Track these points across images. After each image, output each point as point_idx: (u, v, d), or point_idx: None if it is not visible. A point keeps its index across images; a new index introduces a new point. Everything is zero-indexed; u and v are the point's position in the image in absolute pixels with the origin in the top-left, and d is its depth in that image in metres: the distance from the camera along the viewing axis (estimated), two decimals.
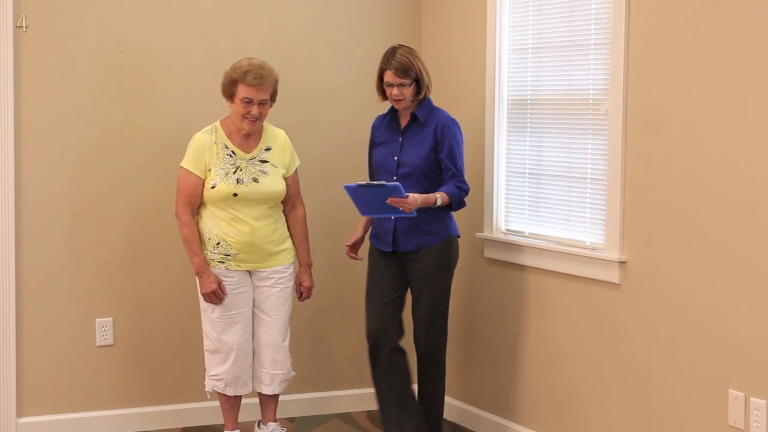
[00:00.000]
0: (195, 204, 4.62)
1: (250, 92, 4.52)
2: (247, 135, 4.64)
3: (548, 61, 4.77)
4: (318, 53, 5.41)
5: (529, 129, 4.89)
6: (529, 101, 4.89)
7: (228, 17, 5.23)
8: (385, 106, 4.80)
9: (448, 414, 5.40)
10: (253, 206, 4.59)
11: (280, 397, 4.99)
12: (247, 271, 4.67)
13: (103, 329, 5.11)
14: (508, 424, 5.01)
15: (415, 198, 4.44)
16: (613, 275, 4.38)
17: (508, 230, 5.03)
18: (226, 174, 4.57)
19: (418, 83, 4.60)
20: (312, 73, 5.39)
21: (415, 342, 4.81)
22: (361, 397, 5.53)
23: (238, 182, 4.57)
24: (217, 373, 4.69)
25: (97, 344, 5.11)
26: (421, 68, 4.60)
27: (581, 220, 4.60)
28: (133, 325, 5.17)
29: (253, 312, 4.74)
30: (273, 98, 4.65)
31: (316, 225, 5.20)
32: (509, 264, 4.97)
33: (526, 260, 4.85)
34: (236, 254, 4.60)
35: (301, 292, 4.88)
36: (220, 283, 4.59)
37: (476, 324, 5.23)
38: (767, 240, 3.73)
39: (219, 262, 4.61)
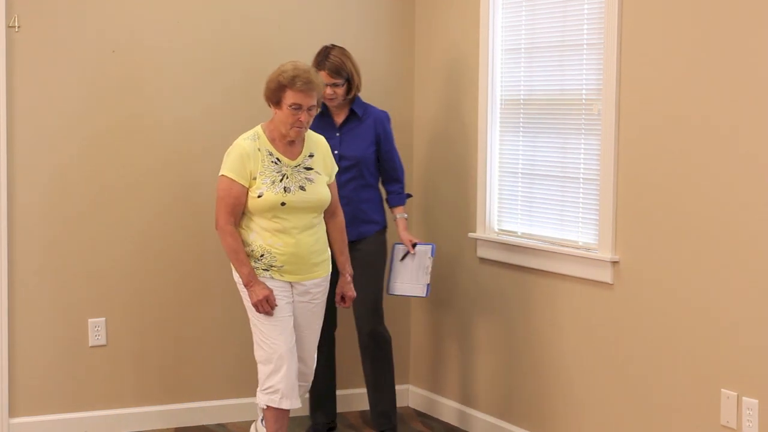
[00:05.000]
0: (238, 214, 4.35)
1: (299, 98, 4.30)
2: (292, 141, 4.40)
3: (541, 61, 4.77)
4: (312, 54, 5.39)
5: (522, 129, 4.89)
6: (522, 101, 4.89)
7: (220, 17, 5.22)
8: None
9: (444, 415, 5.41)
10: (299, 215, 4.36)
11: None
12: (289, 282, 4.43)
13: (96, 329, 5.10)
14: (502, 424, 5.01)
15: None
16: (605, 275, 4.38)
17: (501, 230, 5.04)
18: (273, 182, 4.33)
19: (350, 83, 4.84)
20: None
21: (359, 328, 5.00)
22: (354, 397, 5.53)
23: (285, 191, 4.32)
24: (272, 384, 4.36)
25: (90, 344, 5.10)
26: (353, 68, 4.87)
27: (574, 220, 4.60)
28: (126, 325, 5.16)
29: None
30: (319, 104, 4.43)
31: None
32: (502, 264, 4.98)
33: (519, 260, 4.85)
34: (281, 266, 4.37)
35: (344, 301, 4.68)
36: (271, 292, 4.35)
37: (469, 324, 5.23)
38: (760, 240, 3.74)
39: (263, 270, 4.36)
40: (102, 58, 5.03)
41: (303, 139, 4.45)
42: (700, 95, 3.94)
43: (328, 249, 4.55)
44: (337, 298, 4.68)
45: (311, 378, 4.61)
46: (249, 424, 5.09)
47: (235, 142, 4.40)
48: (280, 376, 4.35)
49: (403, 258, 4.92)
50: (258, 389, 4.41)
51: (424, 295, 4.88)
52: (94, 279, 5.09)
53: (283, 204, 4.31)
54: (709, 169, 3.91)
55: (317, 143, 4.50)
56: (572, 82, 4.58)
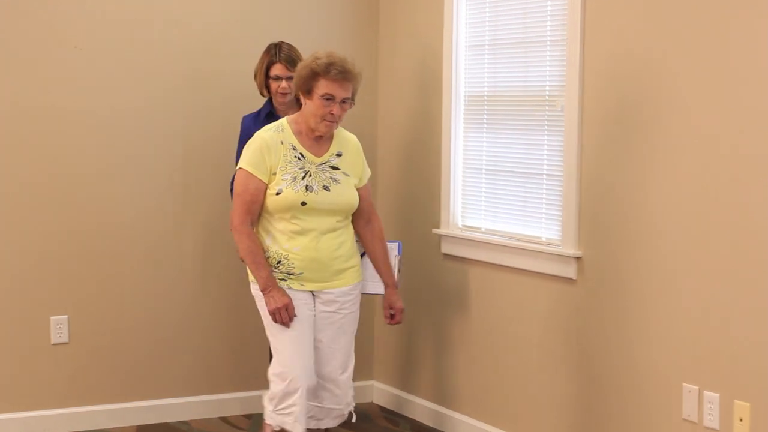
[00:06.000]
0: (256, 212, 4.01)
1: (333, 88, 3.96)
2: (319, 137, 4.07)
3: (505, 57, 4.78)
4: None
5: (485, 125, 4.90)
6: (485, 97, 4.90)
7: (185, 13, 5.20)
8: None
9: (408, 411, 5.41)
10: (321, 218, 4.02)
11: (246, 392, 4.93)
12: (311, 291, 4.10)
13: (58, 327, 5.06)
14: (466, 419, 5.02)
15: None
16: (569, 271, 4.40)
17: (465, 226, 5.05)
18: (294, 179, 3.98)
19: None
20: None
21: None
22: None
23: (307, 189, 3.98)
24: (288, 405, 4.02)
25: (52, 342, 5.07)
26: None
27: (537, 216, 4.61)
28: (89, 322, 5.12)
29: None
30: (353, 97, 4.09)
31: None
32: (466, 260, 4.98)
33: (483, 256, 4.86)
34: (300, 273, 4.03)
35: (393, 315, 4.32)
36: (291, 300, 4.01)
37: (433, 319, 5.24)
38: (721, 236, 3.76)
39: (281, 280, 4.04)
40: (66, 53, 4.99)
41: (332, 136, 4.12)
42: (663, 92, 3.96)
43: (357, 256, 4.21)
44: (386, 312, 4.32)
45: (349, 395, 4.19)
46: (211, 421, 5.07)
47: (256, 133, 4.10)
48: (296, 398, 4.02)
49: (362, 256, 4.84)
50: (268, 403, 4.10)
51: None
52: (57, 276, 5.05)
53: (303, 204, 3.98)
54: (671, 166, 3.93)
55: (348, 141, 4.18)
56: (535, 78, 4.59)
